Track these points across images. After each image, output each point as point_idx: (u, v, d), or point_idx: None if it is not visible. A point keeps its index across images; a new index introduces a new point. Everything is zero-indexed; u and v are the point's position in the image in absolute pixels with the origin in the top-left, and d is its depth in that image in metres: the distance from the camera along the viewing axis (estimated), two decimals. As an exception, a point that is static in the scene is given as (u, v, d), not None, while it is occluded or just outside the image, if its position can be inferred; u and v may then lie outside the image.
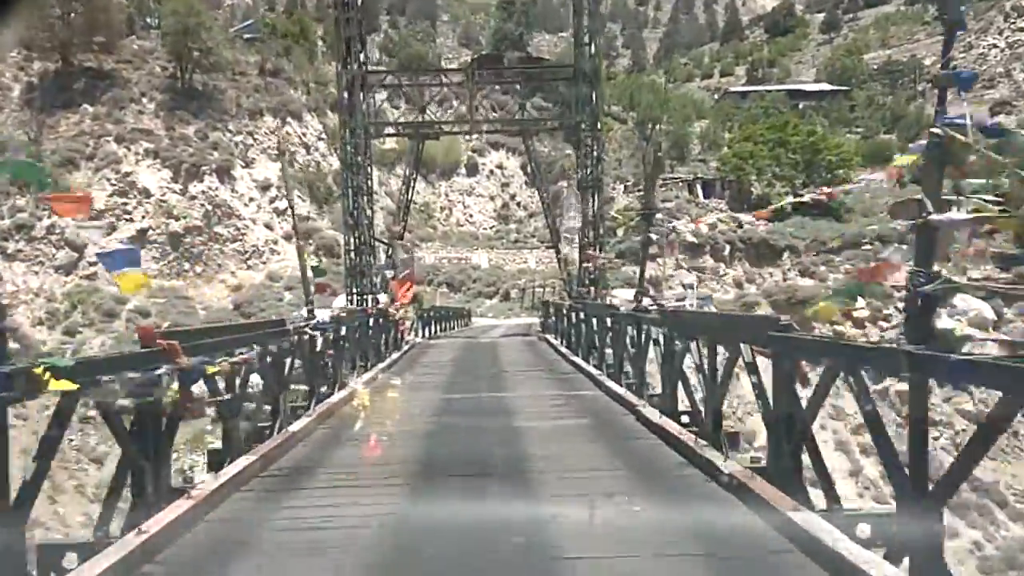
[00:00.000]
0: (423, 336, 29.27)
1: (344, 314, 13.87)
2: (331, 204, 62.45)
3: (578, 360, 17.36)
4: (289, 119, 62.25)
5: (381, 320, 19.76)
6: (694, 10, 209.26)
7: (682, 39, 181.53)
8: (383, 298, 22.32)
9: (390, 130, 31.06)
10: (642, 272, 13.69)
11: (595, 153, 26.41)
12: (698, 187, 65.84)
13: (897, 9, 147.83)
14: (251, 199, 57.03)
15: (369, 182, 26.57)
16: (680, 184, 65.54)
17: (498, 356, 21.45)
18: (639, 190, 65.87)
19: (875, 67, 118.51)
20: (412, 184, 29.57)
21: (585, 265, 25.08)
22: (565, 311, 22.99)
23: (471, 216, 69.36)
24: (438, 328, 33.21)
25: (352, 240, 24.78)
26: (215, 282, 54.12)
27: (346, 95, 25.88)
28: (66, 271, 49.95)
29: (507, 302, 57.43)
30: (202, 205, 54.31)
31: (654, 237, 14.06)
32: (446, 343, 27.70)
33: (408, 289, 24.01)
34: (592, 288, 23.21)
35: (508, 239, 66.04)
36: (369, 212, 25.96)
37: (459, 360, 20.70)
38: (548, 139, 74.72)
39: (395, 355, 19.53)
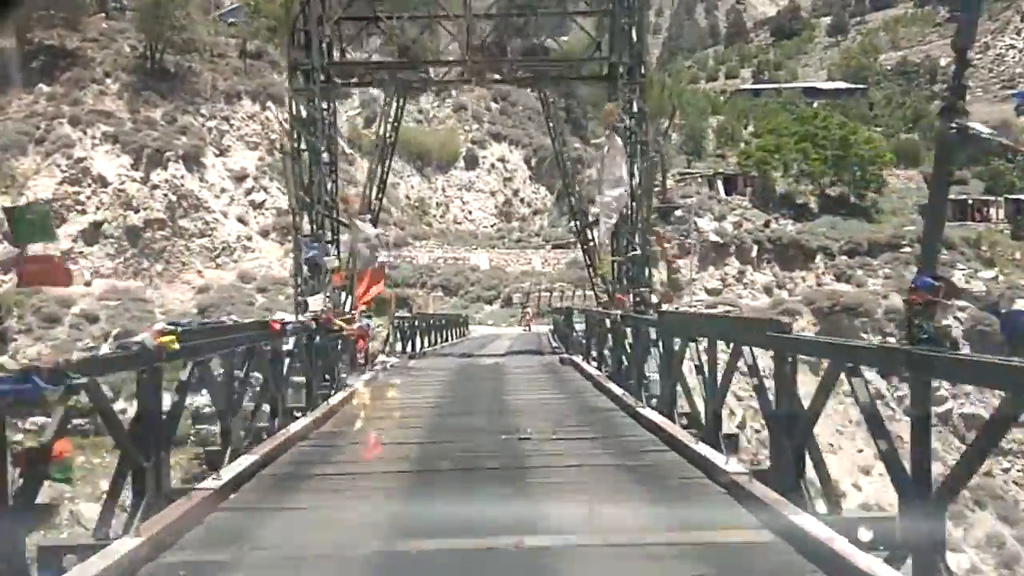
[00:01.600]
0: (404, 352, 21.27)
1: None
2: (315, 198, 54.39)
3: (653, 416, 9.24)
4: (270, 103, 54.22)
5: (316, 337, 11.69)
6: (695, 15, 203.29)
7: (684, 43, 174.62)
8: (315, 302, 14.18)
9: (355, 75, 22.81)
10: (928, 252, 5.66)
11: (637, 106, 18.39)
12: (719, 183, 57.98)
13: (905, 12, 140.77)
14: (223, 190, 49.17)
15: (333, 147, 18.54)
16: (699, 180, 57.62)
17: (508, 397, 13.29)
18: (655, 186, 57.83)
19: (888, 67, 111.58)
20: (390, 149, 21.22)
21: (654, 250, 17.09)
22: (610, 325, 14.89)
23: (470, 213, 61.43)
24: (426, 341, 25.21)
25: (304, 223, 16.78)
26: (178, 283, 46.28)
27: (300, 28, 17.78)
28: (3, 269, 41.92)
29: (509, 308, 49.44)
30: (165, 195, 46.36)
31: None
32: (432, 366, 19.72)
33: (368, 289, 15.86)
34: (650, 292, 15.28)
35: (510, 238, 58.15)
36: (330, 186, 17.92)
37: (443, 407, 12.46)
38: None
39: (332, 401, 11.32)
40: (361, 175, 60.62)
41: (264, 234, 49.82)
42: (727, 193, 58.50)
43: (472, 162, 62.67)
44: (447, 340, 29.95)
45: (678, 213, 53.50)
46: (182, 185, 47.06)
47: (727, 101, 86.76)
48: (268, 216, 50.80)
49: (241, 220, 49.07)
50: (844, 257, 55.09)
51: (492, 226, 61.11)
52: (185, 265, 46.72)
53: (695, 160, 64.96)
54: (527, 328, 42.55)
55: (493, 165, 63.11)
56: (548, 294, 48.70)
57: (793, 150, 59.95)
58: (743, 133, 71.71)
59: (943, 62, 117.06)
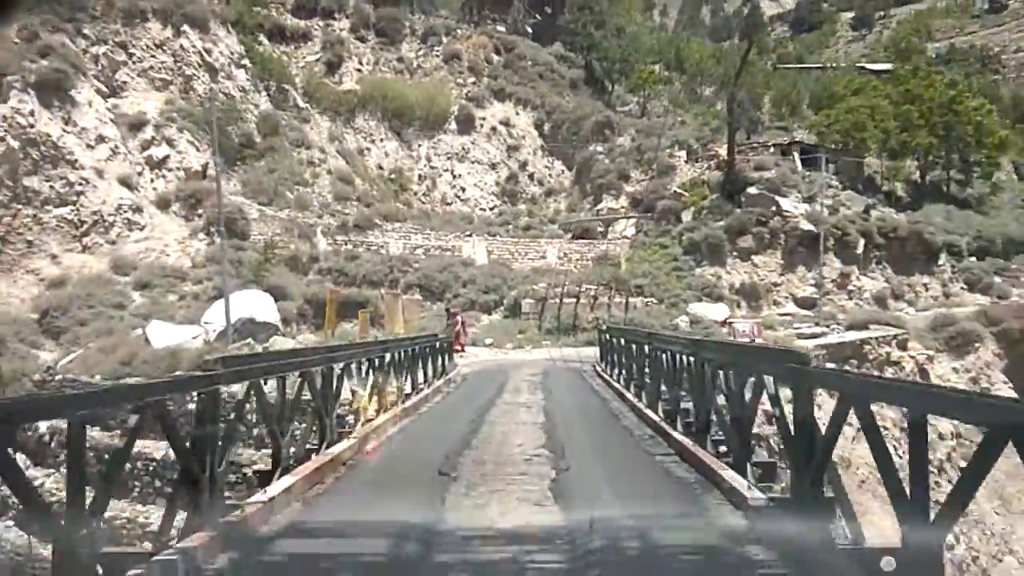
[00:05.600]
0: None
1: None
2: (250, 161, 37.51)
3: None
4: (186, 27, 37.20)
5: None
6: (700, 15, 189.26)
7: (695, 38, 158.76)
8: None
9: None
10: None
11: None
12: (795, 156, 41.12)
13: (934, 4, 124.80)
14: (101, 138, 32.28)
15: None
16: (771, 151, 40.77)
17: None
18: (711, 155, 41.02)
19: (934, 55, 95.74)
20: None
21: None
22: None
23: (463, 190, 44.55)
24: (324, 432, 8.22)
25: None
26: (19, 272, 29.40)
27: None
28: None
29: (515, 319, 32.51)
30: (2, 139, 29.52)
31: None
32: None
33: None
34: None
35: (517, 224, 41.31)
36: None
37: None
38: (570, 92, 50.03)
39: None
40: (317, 136, 43.66)
41: (163, 204, 32.78)
42: (804, 168, 41.58)
43: (467, 124, 45.70)
44: (403, 398, 12.96)
45: (752, 191, 36.55)
46: (31, 127, 29.98)
47: (776, 70, 70.29)
48: (171, 180, 33.78)
49: (126, 183, 32.02)
50: (972, 258, 38.34)
51: (492, 208, 44.19)
52: (33, 246, 29.75)
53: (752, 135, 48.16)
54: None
55: (494, 129, 46.16)
56: (574, 300, 31.75)
57: (890, 115, 43.22)
58: (804, 105, 55.06)
59: (995, 49, 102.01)
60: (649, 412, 11.28)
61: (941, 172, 47.31)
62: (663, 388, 11.36)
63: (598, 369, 19.40)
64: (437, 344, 18.45)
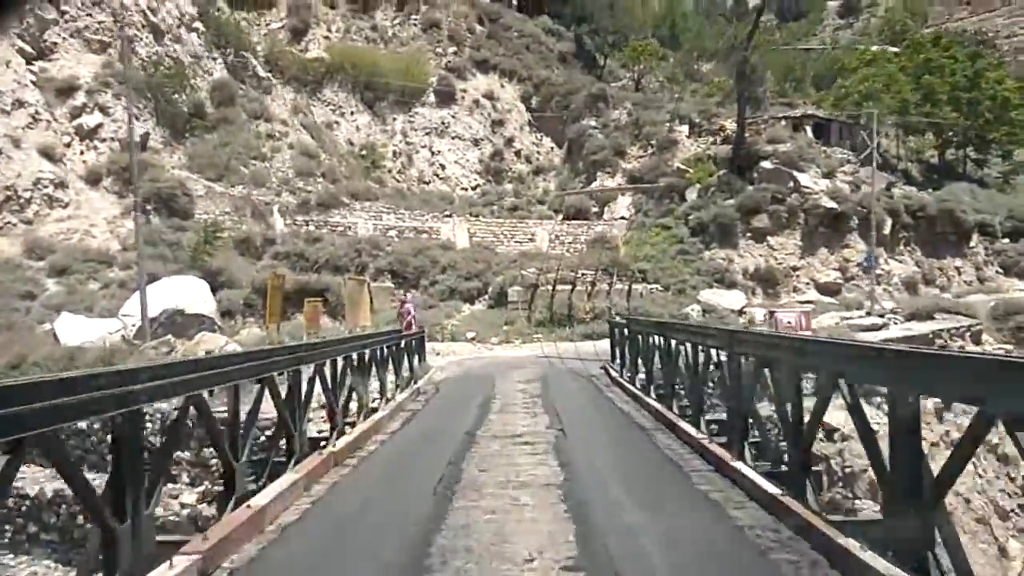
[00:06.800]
0: None
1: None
2: (199, 133, 32.42)
3: None
4: (128, -18, 32.15)
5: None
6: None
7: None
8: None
9: None
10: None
11: None
12: (807, 129, 36.65)
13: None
14: (19, 103, 27.08)
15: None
16: (783, 124, 36.19)
17: None
18: (717, 129, 36.48)
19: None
20: None
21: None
22: None
23: (442, 168, 39.73)
24: None
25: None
26: (-88, 257, 24.44)
27: None
28: None
29: (501, 309, 27.82)
30: None
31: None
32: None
33: None
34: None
35: (502, 205, 36.53)
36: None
37: None
38: (560, 66, 45.29)
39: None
40: (279, 108, 38.71)
41: (93, 180, 27.76)
42: (818, 141, 37.10)
43: (447, 98, 40.80)
44: (338, 433, 8.22)
45: (766, 165, 31.99)
46: (-71, 86, 25.03)
47: (773, 50, 65.82)
48: (103, 151, 28.76)
49: (48, 154, 26.97)
50: (1006, 240, 34.12)
51: (475, 187, 39.41)
52: (-69, 227, 24.78)
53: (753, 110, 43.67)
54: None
55: (477, 103, 41.29)
56: (569, 288, 27.09)
57: (907, 86, 38.91)
58: (807, 81, 50.81)
59: (990, 35, 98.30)
60: (741, 467, 6.58)
61: (957, 150, 43.22)
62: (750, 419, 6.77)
63: (612, 373, 14.74)
64: (401, 343, 13.72)
